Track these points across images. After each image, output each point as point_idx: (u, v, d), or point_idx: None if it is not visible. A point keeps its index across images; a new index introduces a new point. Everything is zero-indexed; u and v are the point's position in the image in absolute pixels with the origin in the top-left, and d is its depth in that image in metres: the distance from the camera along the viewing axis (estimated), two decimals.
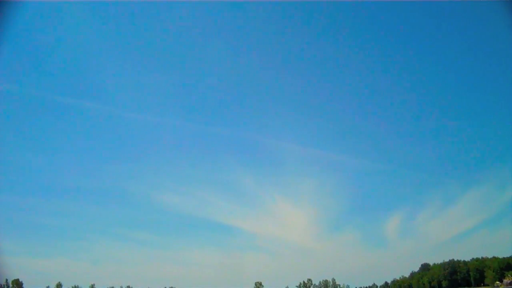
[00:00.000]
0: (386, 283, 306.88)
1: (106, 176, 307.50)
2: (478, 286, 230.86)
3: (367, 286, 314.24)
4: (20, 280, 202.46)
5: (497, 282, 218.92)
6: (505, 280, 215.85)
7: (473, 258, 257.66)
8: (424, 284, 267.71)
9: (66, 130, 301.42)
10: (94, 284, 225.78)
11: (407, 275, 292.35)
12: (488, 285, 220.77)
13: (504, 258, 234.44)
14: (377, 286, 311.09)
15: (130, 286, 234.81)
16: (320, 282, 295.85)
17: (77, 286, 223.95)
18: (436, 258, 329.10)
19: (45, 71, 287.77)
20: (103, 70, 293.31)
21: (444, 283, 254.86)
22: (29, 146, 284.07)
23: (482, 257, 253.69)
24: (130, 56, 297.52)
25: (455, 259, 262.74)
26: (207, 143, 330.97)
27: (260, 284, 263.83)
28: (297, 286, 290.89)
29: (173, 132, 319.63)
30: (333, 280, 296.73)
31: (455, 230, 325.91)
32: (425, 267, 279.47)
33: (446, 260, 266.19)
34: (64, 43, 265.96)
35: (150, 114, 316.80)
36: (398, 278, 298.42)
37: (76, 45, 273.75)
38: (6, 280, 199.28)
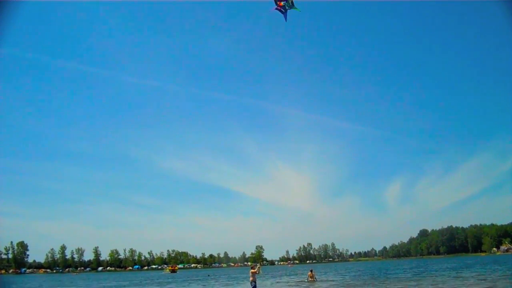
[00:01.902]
0: (384, 248, 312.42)
1: (109, 141, 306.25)
2: (475, 252, 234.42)
3: (366, 251, 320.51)
4: (25, 242, 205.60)
5: (494, 249, 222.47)
6: (502, 247, 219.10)
7: (471, 225, 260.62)
8: (422, 249, 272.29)
9: (68, 95, 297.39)
10: (97, 247, 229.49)
11: (405, 240, 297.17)
12: (485, 252, 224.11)
13: (502, 225, 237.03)
14: (375, 251, 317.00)
15: (133, 249, 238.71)
16: (319, 246, 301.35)
17: (81, 248, 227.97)
18: (435, 224, 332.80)
19: (47, 35, 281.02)
20: (105, 34, 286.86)
21: (442, 249, 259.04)
22: (31, 110, 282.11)
23: (480, 224, 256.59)
24: (131, 20, 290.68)
25: (454, 226, 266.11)
26: (209, 108, 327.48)
27: (261, 247, 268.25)
28: (297, 250, 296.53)
29: (175, 98, 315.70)
30: (333, 244, 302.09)
31: (455, 197, 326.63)
32: (423, 233, 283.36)
33: (445, 226, 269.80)
34: (66, 7, 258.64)
35: (152, 79, 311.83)
36: (397, 244, 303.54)
37: (77, 9, 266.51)
38: (11, 242, 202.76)
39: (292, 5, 16.23)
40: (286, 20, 16.60)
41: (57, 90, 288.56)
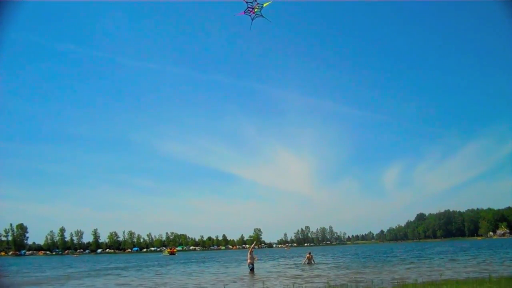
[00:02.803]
0: (381, 231, 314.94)
1: (107, 123, 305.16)
2: (472, 236, 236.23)
3: (364, 234, 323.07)
4: (24, 224, 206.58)
5: (491, 233, 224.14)
6: (499, 231, 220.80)
7: (468, 209, 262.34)
8: (419, 233, 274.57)
9: (66, 77, 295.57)
10: (96, 229, 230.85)
11: (403, 224, 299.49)
12: (481, 236, 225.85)
13: (498, 209, 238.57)
14: (373, 234, 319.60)
15: (132, 231, 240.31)
16: (317, 229, 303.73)
17: (80, 230, 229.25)
18: (432, 208, 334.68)
19: (47, 18, 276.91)
20: (103, 16, 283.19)
21: (438, 233, 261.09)
22: (29, 93, 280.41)
23: (477, 208, 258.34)
24: (130, 2, 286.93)
25: (451, 210, 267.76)
26: (208, 91, 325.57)
27: (259, 230, 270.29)
28: (295, 233, 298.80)
29: (174, 80, 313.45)
30: (330, 227, 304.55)
31: (453, 182, 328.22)
32: (421, 217, 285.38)
33: (442, 210, 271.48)
34: None
35: (151, 61, 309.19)
36: (394, 227, 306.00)
37: None
38: (11, 224, 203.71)
39: (261, 15, 15.95)
40: (250, 28, 16.29)
41: (57, 73, 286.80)
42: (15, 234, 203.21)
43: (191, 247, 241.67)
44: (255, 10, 15.97)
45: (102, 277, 32.78)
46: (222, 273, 31.55)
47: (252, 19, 16.22)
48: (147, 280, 27.17)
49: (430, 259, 39.64)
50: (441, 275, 19.68)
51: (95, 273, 38.22)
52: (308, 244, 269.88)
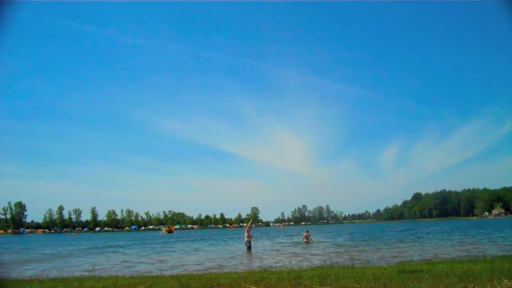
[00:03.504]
0: (378, 210, 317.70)
1: (106, 101, 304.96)
2: (467, 216, 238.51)
3: (360, 213, 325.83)
4: (23, 203, 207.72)
5: (486, 213, 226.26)
6: (494, 211, 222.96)
7: (464, 189, 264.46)
8: (415, 212, 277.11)
9: (65, 55, 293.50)
10: (95, 207, 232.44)
11: (399, 203, 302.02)
12: (477, 215, 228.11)
13: (494, 190, 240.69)
14: (369, 213, 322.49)
15: (130, 210, 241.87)
16: (314, 208, 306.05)
17: (78, 209, 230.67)
18: (429, 188, 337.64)
19: None
20: None
21: (434, 212, 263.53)
22: (28, 70, 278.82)
23: (473, 188, 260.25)
24: None
25: (447, 190, 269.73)
26: (207, 69, 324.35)
27: (257, 209, 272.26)
28: (292, 212, 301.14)
29: (173, 58, 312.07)
30: (327, 206, 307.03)
31: (450, 161, 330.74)
32: (417, 197, 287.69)
33: (438, 190, 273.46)
34: None
35: (150, 39, 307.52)
36: (391, 206, 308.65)
37: None
38: (9, 202, 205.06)
39: None
40: None
41: (56, 50, 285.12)
42: (13, 212, 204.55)
43: (189, 226, 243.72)
44: None
45: (103, 254, 33.18)
46: (220, 250, 31.95)
47: None
48: (147, 257, 27.51)
49: (425, 238, 40.16)
50: (436, 254, 19.98)
51: (95, 251, 38.65)
52: (305, 223, 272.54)
